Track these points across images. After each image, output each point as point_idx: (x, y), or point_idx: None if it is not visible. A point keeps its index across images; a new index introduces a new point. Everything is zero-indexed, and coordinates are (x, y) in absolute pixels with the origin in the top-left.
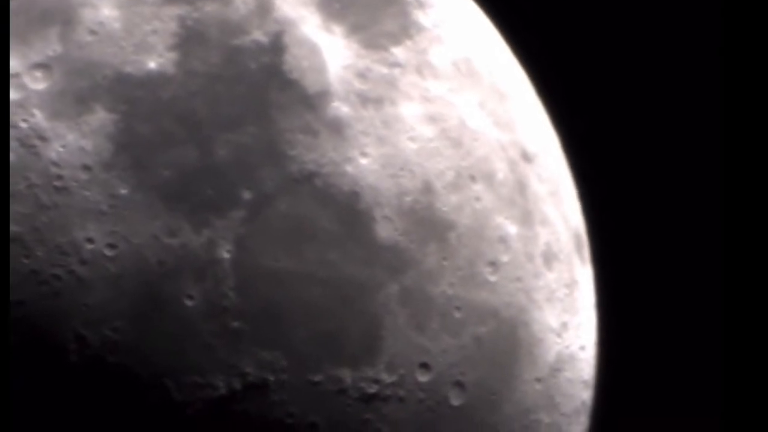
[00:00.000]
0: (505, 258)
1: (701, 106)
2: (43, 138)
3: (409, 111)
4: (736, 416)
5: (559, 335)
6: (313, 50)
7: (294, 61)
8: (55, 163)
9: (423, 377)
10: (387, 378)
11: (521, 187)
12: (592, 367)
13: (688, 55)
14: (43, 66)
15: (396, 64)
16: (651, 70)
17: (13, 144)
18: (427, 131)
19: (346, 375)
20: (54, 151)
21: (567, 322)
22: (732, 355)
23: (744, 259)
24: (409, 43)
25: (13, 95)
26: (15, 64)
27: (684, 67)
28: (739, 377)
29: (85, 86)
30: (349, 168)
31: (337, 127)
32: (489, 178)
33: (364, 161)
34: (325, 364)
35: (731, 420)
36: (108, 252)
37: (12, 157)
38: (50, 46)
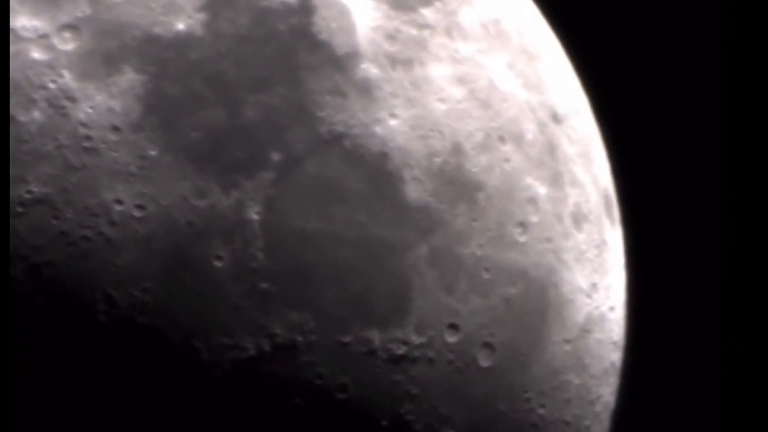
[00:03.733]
0: (534, 219)
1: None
2: (71, 99)
3: (438, 72)
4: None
5: (588, 296)
6: (342, 11)
7: (323, 22)
8: (84, 124)
9: (452, 338)
10: (416, 339)
11: (551, 148)
12: (621, 328)
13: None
14: (72, 27)
15: (425, 26)
16: (685, 33)
17: (42, 105)
18: (456, 92)
19: (375, 336)
20: (83, 112)
21: (596, 282)
22: (764, 315)
23: None
24: (438, 4)
25: (42, 56)
26: (44, 25)
27: (718, 27)
28: None
29: (113, 47)
30: (378, 129)
31: (366, 88)
32: (518, 139)
33: (393, 122)
34: (353, 326)
35: (760, 376)
36: (137, 213)
37: (41, 118)
38: (79, 7)
